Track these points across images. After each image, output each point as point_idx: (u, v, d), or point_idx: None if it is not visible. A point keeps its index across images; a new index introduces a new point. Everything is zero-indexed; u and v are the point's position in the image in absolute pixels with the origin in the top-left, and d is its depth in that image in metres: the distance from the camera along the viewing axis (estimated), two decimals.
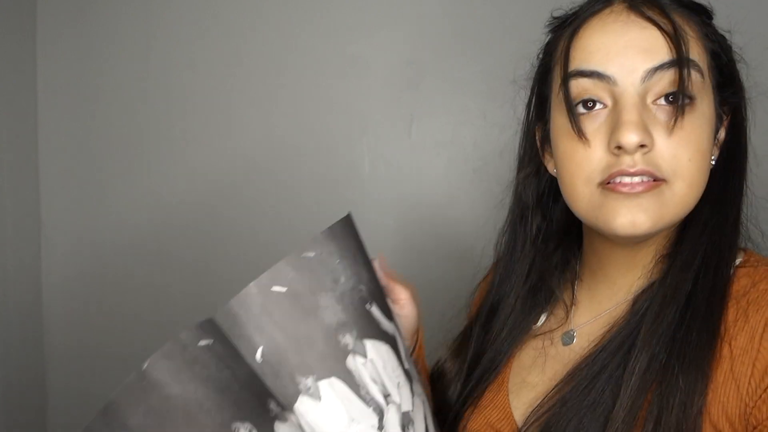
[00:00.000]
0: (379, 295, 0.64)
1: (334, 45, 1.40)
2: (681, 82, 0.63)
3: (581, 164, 0.66)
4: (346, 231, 0.63)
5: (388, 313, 0.64)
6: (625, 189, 0.63)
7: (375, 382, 0.60)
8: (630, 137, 0.62)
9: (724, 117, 0.71)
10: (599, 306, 0.73)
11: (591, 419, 0.62)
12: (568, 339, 0.73)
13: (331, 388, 0.59)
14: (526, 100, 0.78)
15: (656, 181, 0.63)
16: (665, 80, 0.64)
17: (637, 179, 0.63)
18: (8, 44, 1.36)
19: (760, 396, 0.57)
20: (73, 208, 1.48)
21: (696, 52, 0.65)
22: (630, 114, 0.63)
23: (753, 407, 0.58)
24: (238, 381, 0.57)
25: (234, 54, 1.43)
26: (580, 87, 0.66)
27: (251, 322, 0.59)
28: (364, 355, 0.60)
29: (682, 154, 0.63)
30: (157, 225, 1.47)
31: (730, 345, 0.60)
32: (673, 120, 0.63)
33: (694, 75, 0.64)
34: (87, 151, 1.47)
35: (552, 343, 0.74)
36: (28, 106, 1.43)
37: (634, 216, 0.63)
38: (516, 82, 0.78)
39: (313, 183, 1.42)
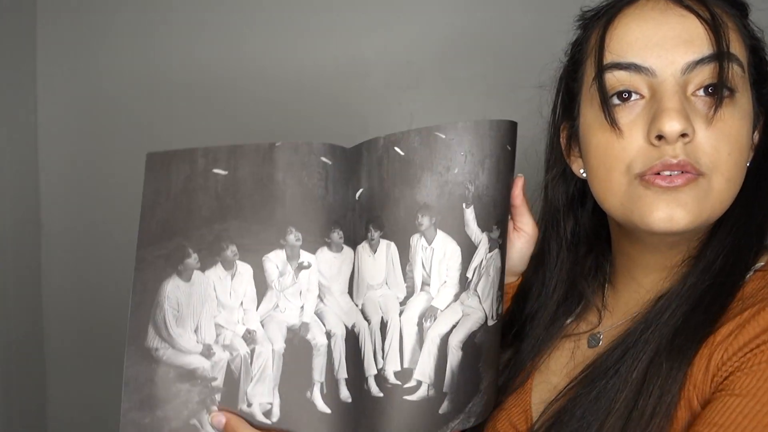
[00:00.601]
0: (488, 205, 0.65)
1: (334, 45, 1.40)
2: (721, 73, 0.61)
3: (619, 156, 0.64)
4: (494, 134, 0.65)
5: (488, 226, 0.65)
6: (664, 182, 0.61)
7: (424, 267, 0.64)
8: (672, 125, 0.60)
9: (761, 117, 0.69)
10: (626, 308, 0.72)
11: (593, 411, 0.62)
12: (594, 341, 0.73)
13: (387, 249, 0.65)
14: (551, 102, 0.76)
15: (694, 174, 0.61)
16: (706, 72, 0.62)
17: (676, 171, 0.61)
18: None
19: (739, 358, 0.57)
20: (74, 211, 1.48)
21: (736, 45, 0.63)
22: (671, 101, 0.61)
23: (729, 364, 0.57)
24: (324, 202, 0.65)
25: (233, 54, 1.43)
26: (615, 79, 0.64)
27: (366, 166, 0.66)
28: (429, 242, 0.64)
29: (722, 147, 0.62)
30: None
31: (715, 334, 0.60)
32: (713, 110, 0.61)
33: (735, 68, 0.62)
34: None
35: (579, 346, 0.74)
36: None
37: (672, 211, 0.61)
38: (542, 86, 0.76)
39: None
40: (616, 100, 0.65)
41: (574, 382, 0.67)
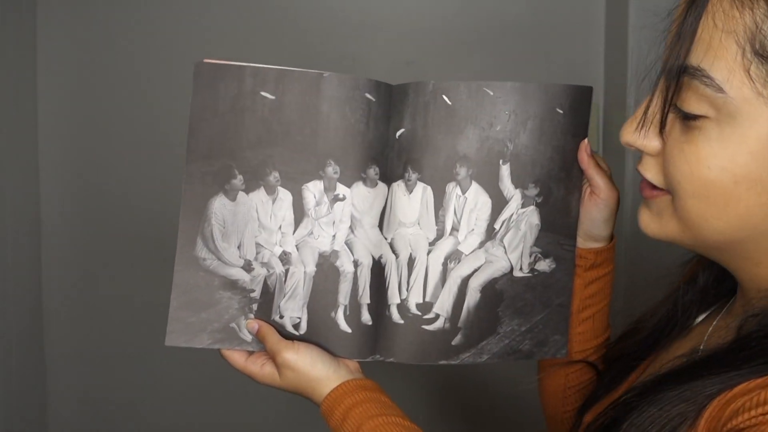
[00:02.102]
0: (526, 164, 0.70)
1: (334, 45, 1.40)
2: (667, 94, 0.54)
3: None
4: (541, 96, 0.69)
5: (524, 184, 0.71)
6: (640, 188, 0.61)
7: (455, 214, 0.71)
8: (621, 134, 0.59)
9: None
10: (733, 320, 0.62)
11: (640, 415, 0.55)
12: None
13: (423, 192, 0.71)
14: None
15: (659, 190, 0.58)
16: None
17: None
18: None
19: (752, 416, 0.48)
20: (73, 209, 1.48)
21: (722, 57, 0.50)
22: (638, 109, 0.58)
23: (740, 419, 0.48)
24: (364, 138, 0.69)
25: (234, 54, 1.42)
26: None
27: (411, 107, 0.69)
28: (464, 191, 0.70)
29: (675, 172, 0.55)
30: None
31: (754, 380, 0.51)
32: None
33: (701, 89, 0.51)
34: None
35: (683, 353, 0.63)
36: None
37: (641, 216, 0.60)
38: None
39: None
40: None
41: (635, 391, 0.59)
